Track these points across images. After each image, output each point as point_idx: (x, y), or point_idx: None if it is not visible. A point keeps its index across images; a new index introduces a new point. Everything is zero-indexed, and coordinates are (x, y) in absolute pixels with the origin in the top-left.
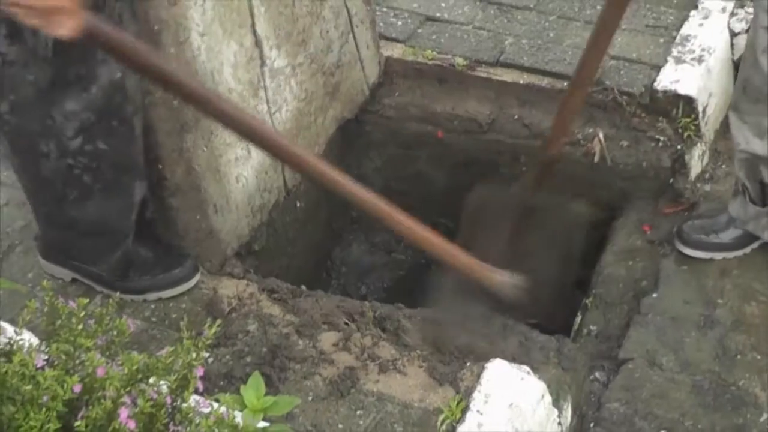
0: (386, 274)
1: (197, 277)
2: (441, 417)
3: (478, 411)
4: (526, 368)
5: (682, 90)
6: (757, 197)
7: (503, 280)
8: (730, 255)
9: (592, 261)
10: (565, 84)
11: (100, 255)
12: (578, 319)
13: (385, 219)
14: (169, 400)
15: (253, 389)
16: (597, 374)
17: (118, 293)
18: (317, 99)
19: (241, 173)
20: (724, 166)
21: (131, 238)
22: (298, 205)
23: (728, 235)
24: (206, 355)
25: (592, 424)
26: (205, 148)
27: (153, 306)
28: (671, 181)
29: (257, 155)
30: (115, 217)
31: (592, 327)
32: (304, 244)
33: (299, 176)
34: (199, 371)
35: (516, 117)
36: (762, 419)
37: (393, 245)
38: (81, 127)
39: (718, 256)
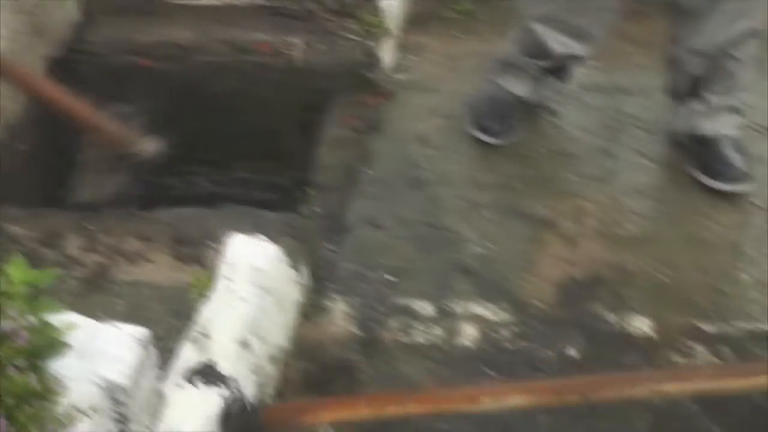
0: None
1: None
2: (193, 289)
3: (225, 277)
4: (263, 237)
5: None
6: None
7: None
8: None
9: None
10: None
11: None
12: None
13: None
14: None
15: (16, 266)
16: (328, 245)
17: None
18: (22, 38)
19: None
20: (412, 57)
21: None
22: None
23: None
24: None
25: (328, 283)
26: None
27: None
28: (368, 75)
29: None
30: None
31: (317, 210)
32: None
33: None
34: None
35: (218, 37)
36: (469, 250)
37: None
38: None
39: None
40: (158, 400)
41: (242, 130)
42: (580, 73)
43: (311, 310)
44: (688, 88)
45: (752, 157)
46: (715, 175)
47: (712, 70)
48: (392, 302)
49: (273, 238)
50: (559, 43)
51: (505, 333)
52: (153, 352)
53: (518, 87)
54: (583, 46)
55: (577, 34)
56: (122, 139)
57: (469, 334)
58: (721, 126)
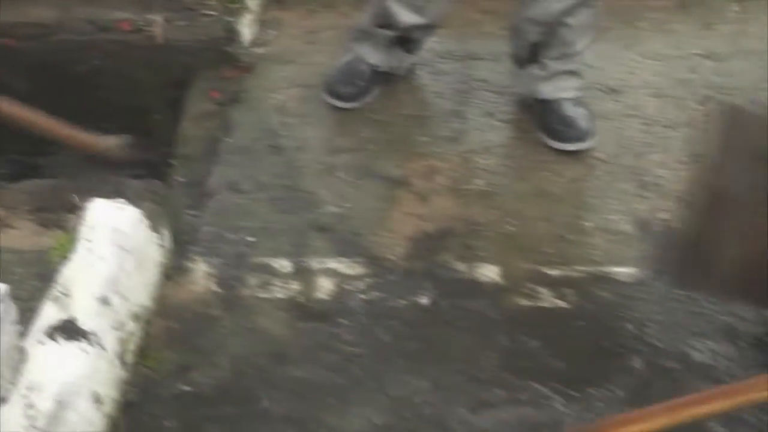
0: None
1: None
2: (55, 252)
3: (86, 239)
4: (123, 200)
5: None
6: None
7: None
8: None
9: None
10: None
11: None
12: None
13: None
14: None
15: None
16: (191, 212)
17: None
18: None
19: None
20: (271, 31)
21: None
22: None
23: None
24: None
25: (190, 246)
26: None
27: None
28: (228, 50)
29: None
30: None
31: (181, 179)
32: None
33: None
34: None
35: (80, 16)
36: (325, 210)
37: None
38: None
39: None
40: (20, 356)
41: (109, 108)
42: (433, 42)
43: (173, 271)
44: (528, 55)
45: (596, 114)
46: (556, 136)
47: (549, 37)
48: (252, 261)
49: (135, 203)
50: (402, 14)
51: (359, 285)
52: (12, 306)
53: (372, 55)
54: (423, 18)
55: (415, 7)
56: (88, 142)
57: (325, 288)
58: (560, 89)
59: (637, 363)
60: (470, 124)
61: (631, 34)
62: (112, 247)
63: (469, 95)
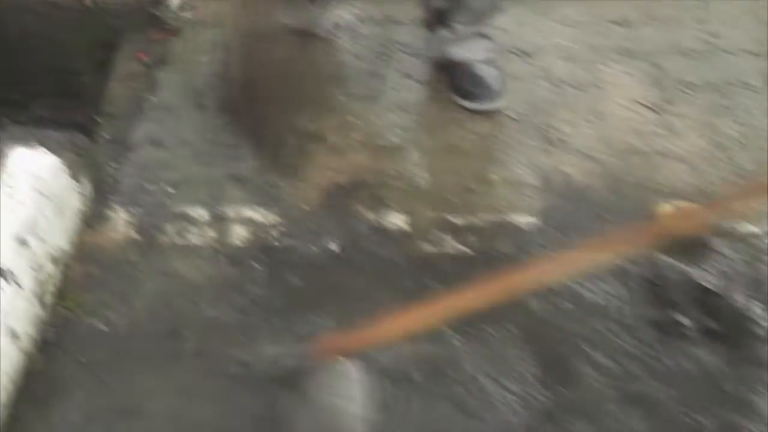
0: None
1: None
2: None
3: (7, 185)
4: (44, 149)
5: None
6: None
7: None
8: None
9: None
10: None
11: None
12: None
13: None
14: None
15: None
16: (113, 164)
17: None
18: None
19: None
20: None
21: None
22: None
23: None
24: None
25: (111, 196)
26: None
27: None
28: (156, 13)
29: None
30: None
31: (106, 136)
32: None
33: None
34: None
35: None
36: (244, 162)
37: None
38: None
39: None
40: None
41: (38, 69)
42: (353, 8)
43: (94, 219)
44: (436, 19)
45: (509, 75)
46: (466, 96)
47: (454, 3)
48: (170, 210)
49: (56, 153)
50: None
51: (273, 233)
52: None
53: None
54: None
55: None
56: None
57: (240, 235)
58: (470, 51)
59: (533, 304)
60: (387, 84)
61: (546, 3)
62: (32, 193)
63: (388, 57)
